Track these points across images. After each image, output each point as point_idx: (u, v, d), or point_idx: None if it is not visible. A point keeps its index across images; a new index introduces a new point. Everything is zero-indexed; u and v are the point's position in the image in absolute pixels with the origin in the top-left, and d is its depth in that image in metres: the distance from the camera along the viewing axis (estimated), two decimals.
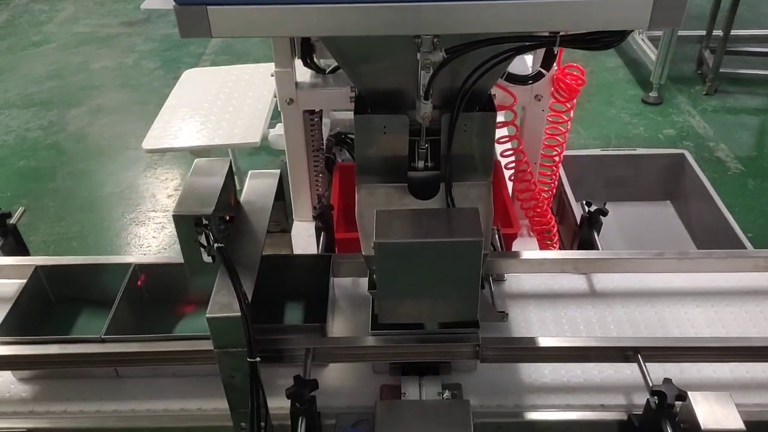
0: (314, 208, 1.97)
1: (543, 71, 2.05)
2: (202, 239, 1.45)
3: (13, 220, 2.01)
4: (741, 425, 1.39)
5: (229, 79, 2.99)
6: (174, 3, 1.14)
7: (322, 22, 1.11)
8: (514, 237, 2.14)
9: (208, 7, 1.11)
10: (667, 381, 1.43)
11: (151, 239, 3.04)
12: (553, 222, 2.45)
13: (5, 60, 4.81)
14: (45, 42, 5.08)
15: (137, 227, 3.13)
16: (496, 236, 2.02)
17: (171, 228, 3.12)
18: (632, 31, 1.27)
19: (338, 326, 1.79)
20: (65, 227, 3.08)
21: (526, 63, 2.21)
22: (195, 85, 2.93)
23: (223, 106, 2.76)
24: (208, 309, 1.36)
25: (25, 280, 1.86)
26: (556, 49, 1.95)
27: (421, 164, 1.50)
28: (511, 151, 2.33)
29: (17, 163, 3.59)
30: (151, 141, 2.54)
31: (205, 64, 3.80)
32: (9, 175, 3.49)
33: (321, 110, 2.45)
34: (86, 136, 3.83)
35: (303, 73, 2.26)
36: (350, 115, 3.03)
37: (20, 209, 2.04)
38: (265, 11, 1.10)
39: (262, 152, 3.43)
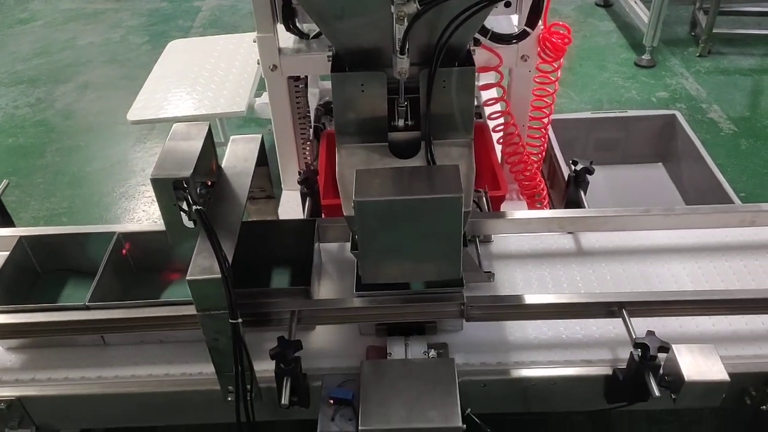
0: (299, 173, 1.96)
1: (528, 29, 2.01)
2: (183, 204, 1.44)
3: None
4: (725, 376, 1.40)
5: (214, 50, 2.95)
6: None
7: None
8: (501, 199, 2.13)
9: None
10: (650, 333, 1.43)
11: (141, 213, 3.04)
12: (542, 185, 2.43)
13: None
14: (31, 19, 5.01)
15: (127, 201, 3.12)
16: (484, 199, 2.01)
17: None
18: None
19: (325, 290, 1.79)
20: (55, 203, 3.06)
21: (512, 22, 2.18)
22: (180, 56, 2.90)
23: (208, 77, 2.73)
24: (188, 272, 1.36)
25: (8, 252, 1.86)
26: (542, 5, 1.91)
27: (401, 123, 1.49)
28: (499, 114, 2.31)
29: (5, 140, 3.57)
30: (136, 112, 2.52)
31: (193, 38, 3.75)
32: None
33: (306, 77, 2.41)
34: (74, 113, 3.80)
35: (286, 39, 2.23)
36: None
37: (4, 182, 2.03)
38: None
39: (251, 123, 3.41)
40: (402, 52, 1.29)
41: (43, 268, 1.86)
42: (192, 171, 1.42)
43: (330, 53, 1.50)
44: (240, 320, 1.38)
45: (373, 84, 1.43)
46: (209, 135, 1.57)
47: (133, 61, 4.33)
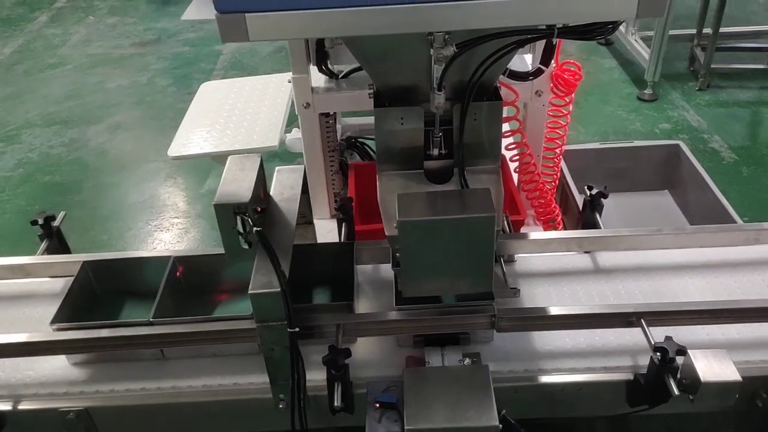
0: (335, 201, 2.12)
1: (542, 67, 2.20)
2: (239, 227, 1.61)
3: (56, 223, 2.17)
4: (738, 377, 1.52)
5: (243, 90, 3.15)
6: (216, 11, 1.27)
7: (345, 24, 1.25)
8: (521, 223, 2.29)
9: (246, 14, 1.26)
10: (668, 338, 1.57)
11: (176, 243, 3.20)
12: (557, 211, 2.59)
13: (24, 82, 5.00)
14: (61, 64, 5.27)
15: (162, 233, 3.29)
16: (505, 222, 2.17)
17: (194, 232, 3.27)
18: (622, 22, 1.42)
19: (363, 306, 1.94)
20: (94, 236, 3.23)
21: (526, 61, 2.37)
22: (213, 96, 3.10)
23: (240, 115, 2.92)
24: (250, 286, 1.51)
25: (69, 277, 2.02)
26: (555, 41, 2.10)
27: (435, 152, 1.65)
28: (515, 145, 2.48)
29: (43, 178, 3.76)
30: (175, 149, 2.70)
31: (215, 80, 3.96)
32: (36, 190, 3.65)
33: (335, 113, 2.61)
34: (107, 151, 4.00)
35: (318, 79, 2.42)
36: (359, 120, 3.22)
37: (62, 213, 2.21)
38: (294, 15, 1.24)
39: (275, 159, 3.59)
40: (439, 89, 1.47)
41: (101, 291, 2.01)
42: (250, 198, 1.59)
43: (371, 90, 1.67)
44: (297, 329, 1.53)
45: (412, 118, 1.60)
46: (261, 166, 1.74)
47: (160, 102, 4.56)
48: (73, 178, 3.74)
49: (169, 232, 3.29)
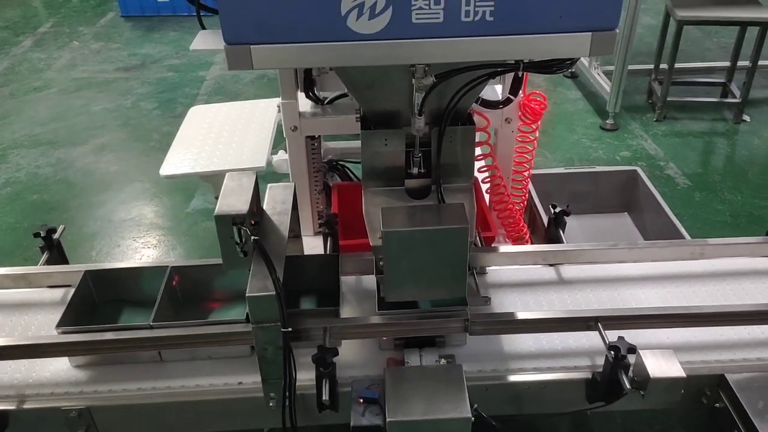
0: (320, 217, 2.29)
1: (511, 97, 2.42)
2: (237, 237, 1.76)
3: (56, 236, 2.29)
4: (683, 374, 1.70)
5: (231, 114, 3.32)
6: (224, 43, 1.45)
7: (337, 55, 1.43)
8: (492, 239, 2.48)
9: (251, 46, 1.43)
10: (621, 338, 1.75)
11: (163, 260, 3.32)
12: (525, 229, 2.79)
13: (10, 104, 5.10)
14: (46, 87, 5.38)
15: (149, 249, 3.41)
16: (478, 238, 2.36)
17: (180, 249, 3.40)
18: (578, 58, 1.63)
19: (347, 313, 2.09)
20: (83, 252, 3.34)
21: (496, 91, 2.59)
22: (201, 120, 3.25)
23: (229, 137, 3.08)
24: (248, 290, 1.66)
25: (68, 287, 2.15)
26: (521, 74, 2.32)
27: (415, 170, 1.83)
28: (487, 168, 2.69)
29: (31, 197, 3.85)
30: (167, 168, 2.85)
31: (200, 104, 4.12)
32: (24, 209, 3.75)
33: (320, 136, 2.79)
34: (93, 172, 4.11)
35: (305, 104, 2.60)
36: (341, 144, 3.40)
37: (61, 227, 2.33)
38: (293, 48, 1.42)
39: (261, 180, 3.73)
40: (420, 115, 1.66)
41: (101, 299, 2.13)
42: (247, 210, 1.75)
43: (358, 114, 1.86)
44: (290, 329, 1.68)
45: (394, 139, 1.78)
46: (256, 182, 1.91)
47: (145, 125, 4.70)
48: (60, 197, 3.85)
49: (156, 249, 3.41)
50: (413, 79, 1.57)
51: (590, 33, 1.41)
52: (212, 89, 5.27)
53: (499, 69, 1.61)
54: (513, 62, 1.57)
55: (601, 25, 1.41)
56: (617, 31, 1.43)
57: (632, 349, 1.72)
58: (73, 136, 4.54)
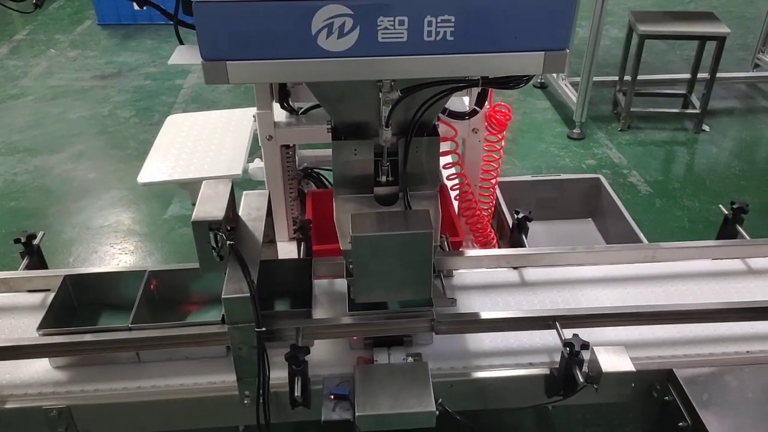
0: (294, 223, 2.38)
1: (477, 108, 2.54)
2: (213, 242, 1.85)
3: (36, 241, 2.35)
4: (632, 368, 1.81)
5: (208, 123, 3.40)
6: (201, 59, 1.53)
7: (308, 71, 1.51)
8: (459, 244, 2.59)
9: (227, 62, 1.52)
10: (575, 336, 1.87)
11: (141, 265, 3.38)
12: (492, 235, 2.91)
13: None
14: (22, 95, 5.39)
15: (126, 255, 3.46)
16: (446, 243, 2.47)
17: (158, 254, 3.46)
18: (534, 75, 1.75)
19: (319, 314, 2.18)
20: (61, 258, 3.38)
21: (464, 102, 2.71)
22: (178, 128, 3.33)
23: (206, 145, 3.16)
24: (223, 292, 1.74)
25: (48, 292, 2.22)
26: (479, 89, 2.44)
27: (384, 178, 1.93)
28: (455, 175, 2.80)
29: (8, 204, 3.88)
30: (145, 175, 2.92)
31: (177, 113, 4.19)
32: (1, 216, 3.78)
33: (295, 145, 2.88)
34: (71, 179, 4.15)
35: (279, 114, 2.70)
36: (316, 152, 3.49)
37: (41, 233, 2.39)
38: (267, 64, 1.51)
39: (237, 187, 3.81)
40: (387, 126, 1.76)
41: (80, 303, 2.20)
42: (223, 216, 1.84)
43: (329, 126, 1.95)
44: (264, 329, 1.77)
45: (364, 149, 1.88)
46: (232, 189, 1.99)
47: (122, 132, 4.74)
48: (37, 204, 3.88)
49: (134, 255, 3.47)
50: (380, 94, 1.67)
51: (543, 52, 1.52)
52: (189, 97, 5.33)
53: (460, 84, 1.72)
54: (473, 78, 1.69)
55: (553, 46, 1.51)
56: (567, 51, 1.54)
57: (585, 346, 1.83)
58: (51, 144, 4.58)
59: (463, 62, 1.52)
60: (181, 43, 2.29)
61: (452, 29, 1.47)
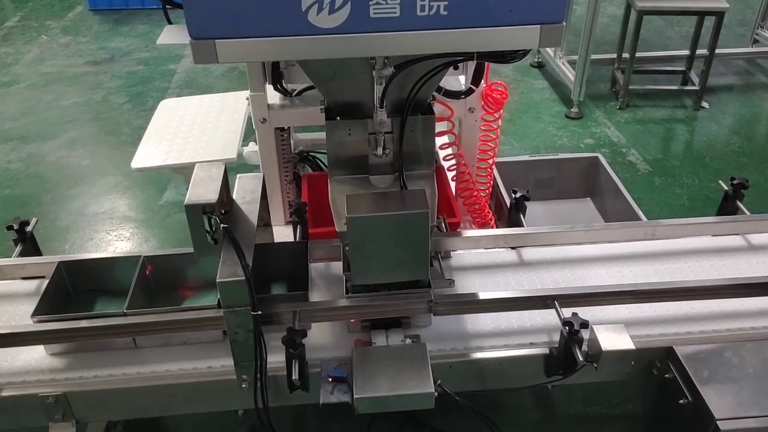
0: (290, 206, 2.35)
1: (473, 87, 2.51)
2: (207, 225, 1.82)
3: (29, 228, 2.33)
4: (632, 346, 1.81)
5: (202, 107, 3.36)
6: (190, 38, 1.50)
7: (299, 49, 1.48)
8: (457, 225, 2.57)
9: (216, 41, 1.49)
10: (574, 314, 1.85)
11: (137, 251, 3.35)
12: (490, 215, 2.89)
13: None
14: (15, 82, 5.34)
15: (122, 242, 3.44)
16: (443, 224, 2.44)
17: (155, 240, 3.44)
18: (530, 50, 1.71)
19: (315, 297, 2.16)
20: (56, 246, 3.36)
21: (460, 81, 2.67)
22: (172, 113, 3.29)
23: (200, 130, 3.13)
24: (218, 276, 1.72)
25: (42, 279, 2.19)
26: (474, 62, 2.40)
27: (379, 151, 1.87)
28: (452, 156, 2.77)
29: (2, 191, 3.85)
30: (138, 161, 2.88)
31: (170, 98, 4.14)
32: None
33: (289, 128, 2.84)
34: (65, 166, 4.12)
35: (273, 96, 2.66)
36: (311, 135, 3.46)
37: (34, 219, 2.36)
38: (257, 42, 1.47)
39: (231, 171, 3.79)
40: (381, 105, 1.73)
41: (75, 289, 2.18)
42: (216, 199, 1.81)
43: (323, 106, 1.92)
44: (259, 312, 1.75)
45: (358, 129, 1.86)
46: (225, 172, 1.96)
47: (115, 118, 4.70)
48: (32, 191, 3.85)
49: (130, 241, 3.45)
50: (373, 71, 1.64)
51: (539, 25, 1.49)
52: (183, 82, 5.28)
53: (455, 59, 1.69)
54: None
55: (549, 19, 1.48)
56: (564, 24, 1.50)
57: (585, 324, 1.82)
58: (44, 131, 4.53)
59: (457, 37, 1.49)
60: (170, 22, 2.24)
61: (446, 3, 1.44)
